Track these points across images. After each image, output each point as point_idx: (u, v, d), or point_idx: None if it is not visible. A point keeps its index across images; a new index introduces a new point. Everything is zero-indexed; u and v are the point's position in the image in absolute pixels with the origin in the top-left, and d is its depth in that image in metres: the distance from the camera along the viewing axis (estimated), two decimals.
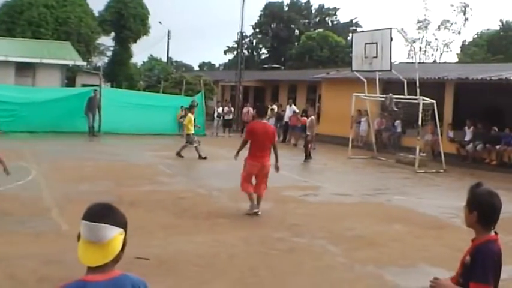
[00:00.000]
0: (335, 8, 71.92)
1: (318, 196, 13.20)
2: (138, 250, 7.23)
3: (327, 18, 71.94)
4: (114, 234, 2.52)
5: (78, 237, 2.55)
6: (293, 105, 27.54)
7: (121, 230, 2.56)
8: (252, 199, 10.46)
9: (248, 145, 10.57)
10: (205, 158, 18.56)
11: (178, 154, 18.73)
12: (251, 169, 10.43)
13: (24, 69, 30.13)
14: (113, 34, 49.85)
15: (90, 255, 2.48)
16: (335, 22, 71.16)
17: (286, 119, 27.13)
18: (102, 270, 2.50)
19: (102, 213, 2.55)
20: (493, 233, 3.32)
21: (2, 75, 28.24)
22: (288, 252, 8.39)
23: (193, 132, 19.21)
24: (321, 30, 62.93)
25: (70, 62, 32.84)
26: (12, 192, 11.39)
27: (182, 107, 27.87)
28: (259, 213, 10.38)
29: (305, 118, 22.88)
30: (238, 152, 10.90)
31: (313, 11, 72.27)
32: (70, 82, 36.85)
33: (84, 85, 31.67)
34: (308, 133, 19.68)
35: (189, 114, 19.46)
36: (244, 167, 10.54)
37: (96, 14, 47.94)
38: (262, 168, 10.39)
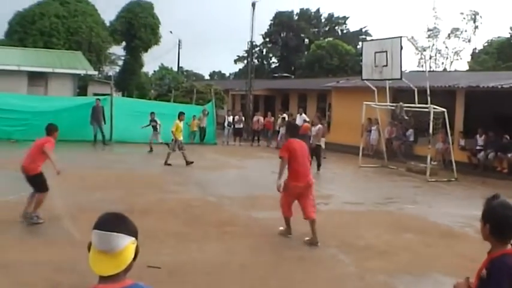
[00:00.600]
0: (345, 16, 71.89)
1: (329, 205, 13.14)
2: (149, 258, 7.23)
3: (336, 27, 71.94)
4: (127, 243, 2.51)
5: (89, 247, 2.55)
6: (303, 114, 27.51)
7: (133, 239, 2.56)
8: (288, 223, 9.60)
9: (288, 164, 9.36)
10: (169, 164, 18.71)
11: (187, 163, 18.84)
12: (294, 191, 9.34)
13: (36, 78, 30.33)
14: (123, 44, 50.12)
15: (102, 265, 2.47)
16: (345, 31, 71.14)
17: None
18: (114, 280, 2.49)
19: (114, 223, 2.54)
20: (509, 246, 3.26)
21: (14, 85, 28.43)
22: (298, 261, 8.36)
23: (181, 139, 19.25)
24: (330, 39, 62.92)
25: (82, 72, 32.99)
26: (25, 200, 11.43)
27: (194, 116, 27.99)
28: (319, 244, 9.16)
29: (308, 124, 22.61)
30: (280, 177, 9.40)
31: (322, 20, 72.29)
32: (82, 91, 37.00)
33: (95, 94, 31.86)
34: (317, 143, 19.35)
35: (177, 121, 19.45)
36: (285, 190, 9.41)
37: (107, 24, 48.23)
38: (307, 187, 9.38)
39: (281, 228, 9.73)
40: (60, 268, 7.27)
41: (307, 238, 9.27)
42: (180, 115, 19.68)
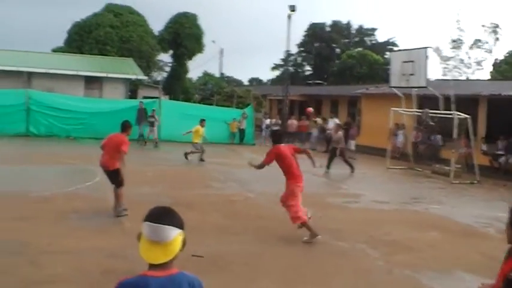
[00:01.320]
0: (373, 28, 71.13)
1: (358, 203, 13.03)
2: (193, 248, 7.26)
3: (366, 38, 71.34)
4: (175, 235, 2.55)
5: (139, 237, 2.59)
6: (335, 118, 27.41)
7: (181, 231, 2.60)
8: (309, 227, 8.89)
9: (285, 170, 9.13)
10: (200, 160, 19.04)
11: (186, 155, 19.12)
12: (298, 192, 9.01)
13: (92, 82, 30.85)
14: (170, 51, 50.51)
15: (153, 254, 2.51)
16: (373, 41, 70.47)
17: (329, 130, 27.05)
18: (163, 267, 2.53)
19: (164, 216, 2.58)
20: None
21: (73, 88, 28.99)
22: (329, 254, 8.31)
23: (198, 141, 19.26)
24: (360, 49, 62.46)
25: (132, 76, 33.36)
26: (81, 192, 11.65)
27: (234, 119, 28.11)
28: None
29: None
30: (256, 167, 9.57)
31: (353, 32, 71.82)
32: (133, 94, 37.44)
33: (145, 97, 32.16)
34: (335, 146, 19.16)
35: (198, 126, 19.47)
36: (292, 194, 8.99)
37: (156, 34, 48.68)
38: (303, 186, 9.16)
39: (305, 238, 8.86)
40: (113, 254, 7.36)
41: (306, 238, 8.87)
42: (201, 121, 19.72)
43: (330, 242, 8.97)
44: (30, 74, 29.07)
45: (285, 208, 9.17)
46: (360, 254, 8.41)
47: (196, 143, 19.21)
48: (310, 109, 24.54)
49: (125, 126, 10.20)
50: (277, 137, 9.63)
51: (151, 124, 23.91)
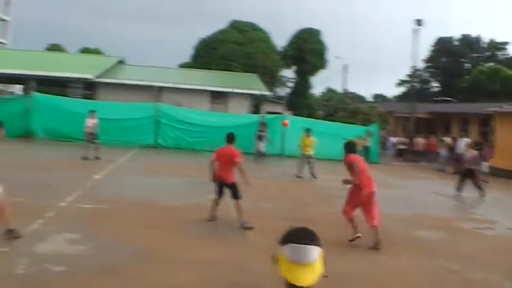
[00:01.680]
0: (506, 42, 67.50)
1: (493, 230, 12.21)
2: None
3: (498, 52, 67.85)
4: (319, 255, 2.49)
5: (275, 258, 2.53)
6: (465, 138, 26.16)
7: (321, 250, 2.53)
8: (354, 225, 9.69)
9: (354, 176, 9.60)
10: (299, 177, 18.79)
11: (313, 175, 19.03)
12: (359, 198, 9.66)
13: (217, 97, 31.95)
14: (294, 67, 51.11)
15: (302, 276, 2.44)
16: (506, 56, 66.82)
17: (458, 150, 25.81)
18: None
19: (307, 236, 2.52)
20: None
21: (199, 102, 30.20)
22: (461, 283, 7.85)
23: (309, 153, 19.21)
24: (492, 64, 59.48)
25: (257, 92, 34.09)
26: (205, 204, 11.95)
27: (358, 136, 27.74)
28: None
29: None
30: (347, 182, 9.77)
31: (483, 45, 68.64)
32: (256, 109, 38.29)
33: (268, 112, 32.69)
34: (469, 166, 18.01)
35: (303, 137, 19.55)
36: (347, 198, 9.86)
37: (280, 49, 49.52)
38: (371, 194, 9.64)
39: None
40: (237, 267, 7.43)
41: (372, 245, 9.25)
42: (306, 131, 19.84)
43: (462, 269, 8.49)
44: (160, 89, 30.64)
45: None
46: (495, 287, 7.86)
47: (304, 154, 19.28)
48: (286, 121, 23.98)
49: (230, 138, 10.63)
50: (349, 147, 10.26)
51: (259, 138, 24.17)
